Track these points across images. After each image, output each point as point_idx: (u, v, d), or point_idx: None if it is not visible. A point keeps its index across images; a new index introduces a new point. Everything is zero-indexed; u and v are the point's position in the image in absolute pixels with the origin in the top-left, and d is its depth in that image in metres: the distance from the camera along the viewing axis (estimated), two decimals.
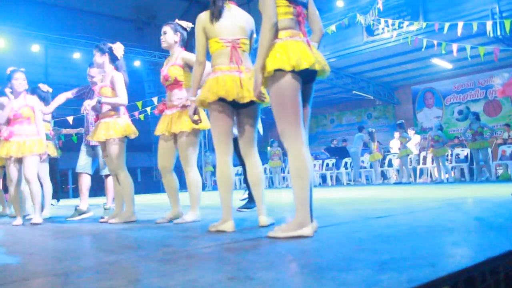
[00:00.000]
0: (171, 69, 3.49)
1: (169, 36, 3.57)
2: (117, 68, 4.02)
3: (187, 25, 3.64)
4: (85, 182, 4.86)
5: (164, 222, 3.49)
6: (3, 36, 11.93)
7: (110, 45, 4.04)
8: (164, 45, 3.61)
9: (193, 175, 3.47)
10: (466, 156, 11.06)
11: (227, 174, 2.75)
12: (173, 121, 3.45)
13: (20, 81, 4.26)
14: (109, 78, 3.94)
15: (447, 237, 2.05)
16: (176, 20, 3.65)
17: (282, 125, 2.25)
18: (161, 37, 3.62)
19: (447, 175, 10.35)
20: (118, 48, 4.01)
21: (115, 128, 3.86)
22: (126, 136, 3.93)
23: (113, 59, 4.02)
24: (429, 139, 10.57)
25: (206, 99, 2.72)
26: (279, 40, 2.25)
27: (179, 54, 3.55)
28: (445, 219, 2.82)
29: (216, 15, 2.80)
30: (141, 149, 14.91)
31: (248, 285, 1.29)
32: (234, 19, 2.86)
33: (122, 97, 3.88)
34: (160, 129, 3.51)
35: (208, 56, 2.87)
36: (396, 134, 11.50)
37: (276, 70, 2.19)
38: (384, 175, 12.44)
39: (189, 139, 3.42)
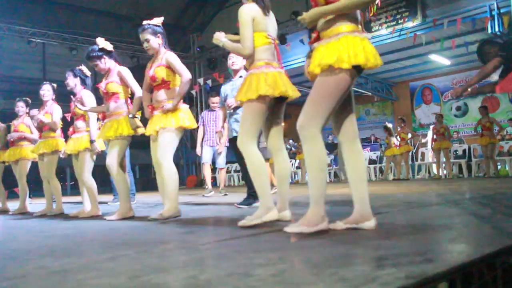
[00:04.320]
0: (157, 70, 3.50)
1: (153, 42, 3.54)
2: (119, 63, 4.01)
3: (160, 21, 3.60)
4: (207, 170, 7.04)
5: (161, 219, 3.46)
6: (1, 32, 11.88)
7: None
8: (150, 52, 3.60)
9: (169, 170, 3.45)
10: (464, 152, 11.07)
11: (264, 162, 2.74)
12: (161, 120, 3.47)
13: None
14: (115, 74, 3.89)
15: (445, 233, 2.06)
16: (145, 22, 3.58)
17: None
18: (145, 45, 3.56)
19: (445, 172, 10.33)
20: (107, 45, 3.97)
21: (126, 126, 3.80)
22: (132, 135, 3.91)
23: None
24: (433, 132, 10.39)
25: (267, 93, 2.63)
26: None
27: (163, 55, 3.55)
28: (443, 215, 2.83)
29: (268, 9, 2.80)
30: (139, 147, 14.79)
31: (247, 281, 1.30)
32: (272, 18, 2.88)
33: (138, 91, 3.81)
34: (148, 129, 3.58)
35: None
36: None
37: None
38: (381, 172, 12.43)
39: (171, 135, 3.45)
